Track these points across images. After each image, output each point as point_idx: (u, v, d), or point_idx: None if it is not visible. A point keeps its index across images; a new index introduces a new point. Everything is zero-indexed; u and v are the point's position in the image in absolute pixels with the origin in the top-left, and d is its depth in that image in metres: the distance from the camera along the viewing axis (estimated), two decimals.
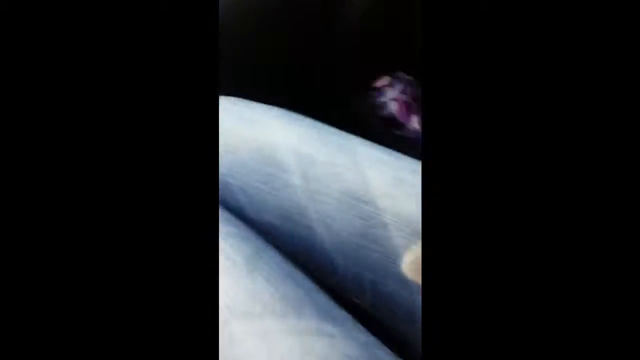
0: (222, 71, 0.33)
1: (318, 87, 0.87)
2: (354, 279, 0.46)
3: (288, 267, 0.43)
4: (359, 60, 0.91)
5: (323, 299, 0.40)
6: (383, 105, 0.96)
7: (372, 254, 0.45)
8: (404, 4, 0.87)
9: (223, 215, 0.47)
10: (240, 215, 0.50)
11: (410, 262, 0.29)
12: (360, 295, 0.47)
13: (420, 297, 0.42)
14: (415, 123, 0.94)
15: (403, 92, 0.96)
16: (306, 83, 0.86)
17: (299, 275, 0.43)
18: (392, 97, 0.95)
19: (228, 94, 0.55)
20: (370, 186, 0.45)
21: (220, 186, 0.51)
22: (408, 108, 0.96)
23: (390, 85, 0.96)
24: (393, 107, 0.98)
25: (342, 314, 0.40)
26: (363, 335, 0.38)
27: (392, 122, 0.97)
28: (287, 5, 0.80)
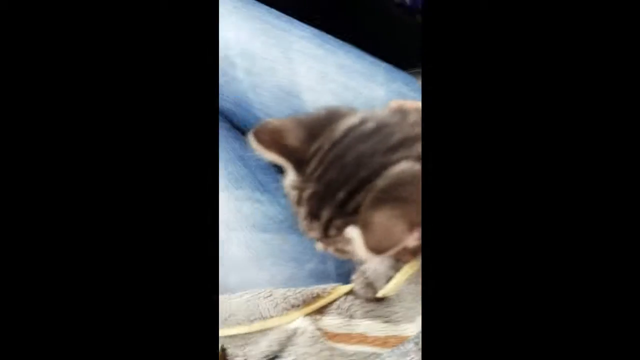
0: None
1: None
2: None
3: (240, 150, 0.55)
4: None
5: (262, 175, 0.53)
6: None
7: None
8: None
9: None
10: None
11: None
12: None
13: None
14: None
15: None
16: None
17: (248, 156, 0.55)
18: None
19: None
20: (298, 80, 0.53)
21: None
22: None
23: None
24: None
25: (275, 186, 0.53)
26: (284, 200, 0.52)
27: None
28: None
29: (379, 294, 0.46)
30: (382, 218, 0.31)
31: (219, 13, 0.56)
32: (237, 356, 0.46)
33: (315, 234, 0.35)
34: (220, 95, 0.57)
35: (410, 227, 0.30)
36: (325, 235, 0.34)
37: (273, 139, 0.34)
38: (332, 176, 0.33)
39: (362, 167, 0.32)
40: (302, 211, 0.34)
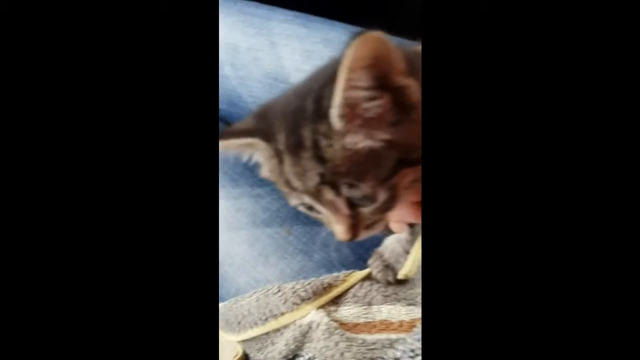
0: None
1: None
2: None
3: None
4: None
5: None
6: None
7: None
8: None
9: None
10: None
11: None
12: None
13: None
14: None
15: None
16: None
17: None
18: None
19: None
20: (284, 64, 0.50)
21: None
22: None
23: None
24: None
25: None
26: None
27: None
28: None
29: (400, 276, 0.42)
30: None
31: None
32: None
33: (295, 198, 0.32)
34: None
35: None
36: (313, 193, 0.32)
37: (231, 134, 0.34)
38: (294, 106, 0.31)
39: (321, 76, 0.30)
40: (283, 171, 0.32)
